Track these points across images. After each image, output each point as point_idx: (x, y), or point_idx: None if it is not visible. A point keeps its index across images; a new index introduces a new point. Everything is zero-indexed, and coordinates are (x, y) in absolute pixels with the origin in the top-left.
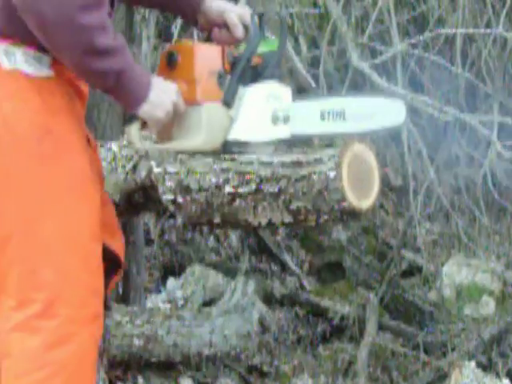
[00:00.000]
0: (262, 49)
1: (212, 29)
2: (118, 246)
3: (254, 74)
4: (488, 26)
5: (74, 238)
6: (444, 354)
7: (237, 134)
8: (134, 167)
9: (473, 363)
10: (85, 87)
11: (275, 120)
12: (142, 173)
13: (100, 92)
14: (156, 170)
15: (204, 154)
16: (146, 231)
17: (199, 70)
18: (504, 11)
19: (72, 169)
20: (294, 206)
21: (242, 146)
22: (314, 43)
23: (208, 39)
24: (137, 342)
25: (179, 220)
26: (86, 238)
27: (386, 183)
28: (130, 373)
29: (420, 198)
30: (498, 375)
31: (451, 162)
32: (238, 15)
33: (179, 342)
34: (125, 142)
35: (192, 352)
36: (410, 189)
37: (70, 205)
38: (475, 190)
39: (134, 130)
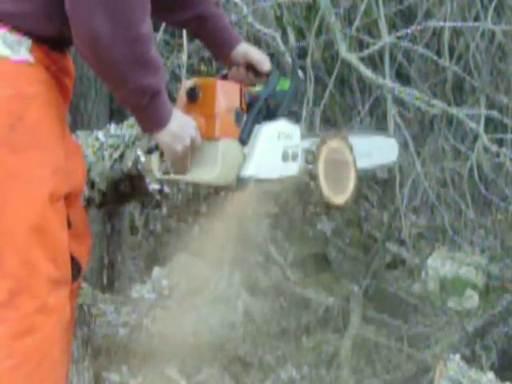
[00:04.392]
0: (276, 88)
1: (231, 66)
2: (80, 250)
3: (267, 111)
4: (476, 19)
5: (39, 229)
6: (427, 347)
7: (250, 171)
8: (121, 156)
9: (457, 356)
10: (69, 81)
11: (285, 157)
12: (129, 162)
13: (86, 81)
14: (143, 159)
15: (217, 188)
16: (131, 220)
17: (219, 106)
18: (492, 5)
19: (42, 159)
20: (281, 197)
21: (254, 183)
22: (301, 34)
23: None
24: (121, 331)
25: (164, 209)
26: (52, 229)
27: (371, 176)
28: (115, 362)
29: (406, 191)
30: (481, 368)
31: (438, 155)
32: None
33: (164, 331)
34: (113, 131)
35: (177, 342)
36: (395, 181)
37: (38, 195)
38: (461, 183)
39: (153, 159)
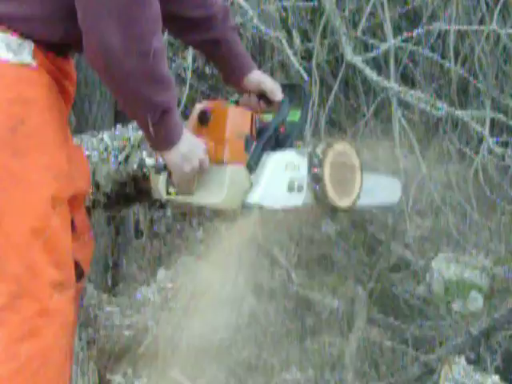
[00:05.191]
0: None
1: (243, 93)
2: (82, 253)
3: (276, 141)
4: (481, 22)
5: (41, 233)
6: (432, 350)
7: (255, 198)
8: (126, 158)
9: (462, 358)
10: (70, 85)
11: (291, 188)
12: (134, 164)
13: (91, 83)
14: (148, 161)
15: (222, 212)
16: (136, 222)
17: (229, 132)
18: (497, 7)
19: (44, 162)
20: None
21: (258, 209)
22: (306, 37)
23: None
24: (126, 333)
25: (169, 211)
26: (55, 233)
27: None
28: (120, 364)
29: (411, 193)
30: (486, 370)
31: (443, 157)
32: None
33: (169, 333)
34: (118, 133)
35: (181, 344)
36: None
37: (40, 199)
38: (466, 185)
39: (161, 180)
